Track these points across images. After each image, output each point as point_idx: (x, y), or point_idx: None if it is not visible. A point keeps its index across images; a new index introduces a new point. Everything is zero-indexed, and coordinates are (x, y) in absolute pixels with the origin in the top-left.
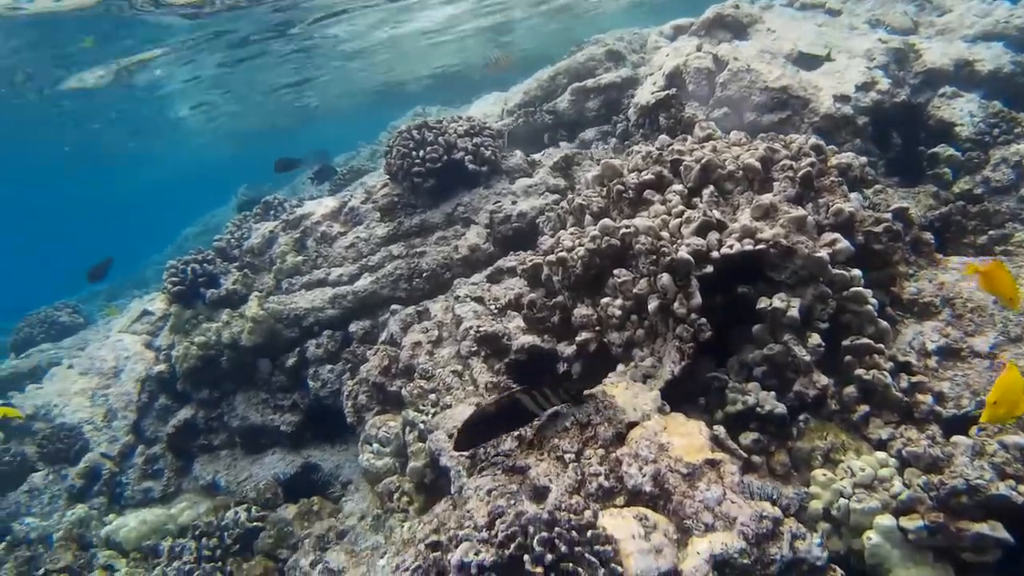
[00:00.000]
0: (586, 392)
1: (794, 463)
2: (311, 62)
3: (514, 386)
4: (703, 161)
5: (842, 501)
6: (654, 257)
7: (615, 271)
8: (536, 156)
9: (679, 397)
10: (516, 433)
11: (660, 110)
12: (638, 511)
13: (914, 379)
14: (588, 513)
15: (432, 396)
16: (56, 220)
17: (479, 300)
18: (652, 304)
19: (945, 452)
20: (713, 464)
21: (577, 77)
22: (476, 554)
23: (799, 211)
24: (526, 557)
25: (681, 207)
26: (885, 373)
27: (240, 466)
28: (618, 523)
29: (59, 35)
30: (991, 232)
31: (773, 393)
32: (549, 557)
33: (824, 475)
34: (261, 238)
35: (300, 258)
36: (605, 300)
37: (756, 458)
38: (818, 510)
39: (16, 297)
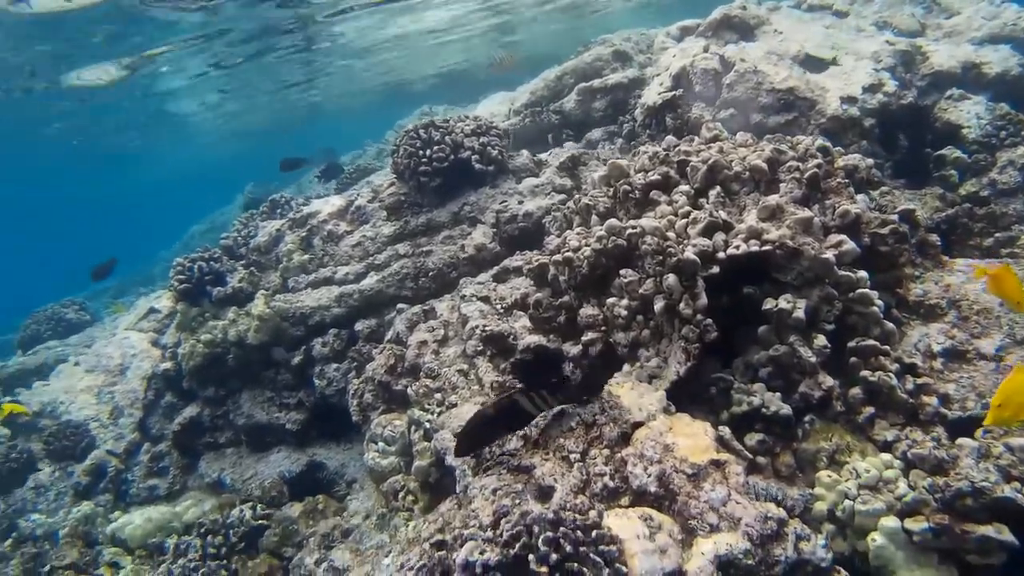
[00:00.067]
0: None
1: (799, 464)
2: (317, 60)
3: (519, 386)
4: (710, 162)
5: (847, 502)
6: (660, 258)
7: (621, 271)
8: (543, 156)
9: (684, 397)
10: (521, 433)
11: (667, 111)
12: (643, 511)
13: (920, 381)
14: (593, 513)
15: (438, 395)
16: (62, 218)
17: (485, 299)
18: (658, 304)
19: (950, 454)
20: (718, 465)
21: (584, 77)
22: (481, 553)
23: (805, 212)
24: (531, 557)
25: (687, 208)
26: (891, 375)
27: (245, 464)
28: (623, 523)
29: (65, 32)
30: (997, 234)
31: (778, 394)
32: (554, 557)
33: (829, 476)
34: (268, 236)
35: (306, 256)
36: (611, 300)
37: (761, 459)
38: (823, 511)
39: (23, 294)
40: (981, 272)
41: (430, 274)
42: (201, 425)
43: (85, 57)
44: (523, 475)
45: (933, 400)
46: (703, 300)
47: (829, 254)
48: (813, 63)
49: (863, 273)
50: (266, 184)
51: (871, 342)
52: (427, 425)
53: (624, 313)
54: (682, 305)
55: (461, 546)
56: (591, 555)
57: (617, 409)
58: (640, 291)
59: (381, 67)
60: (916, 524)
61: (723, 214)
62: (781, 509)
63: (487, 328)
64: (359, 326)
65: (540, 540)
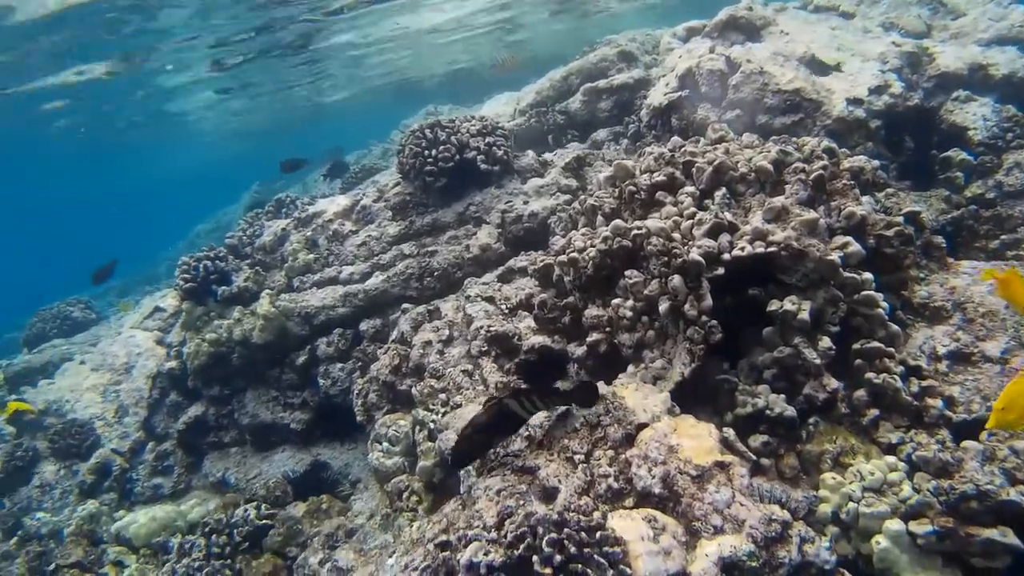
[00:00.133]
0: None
1: (803, 466)
2: (323, 59)
3: (522, 387)
4: (715, 163)
5: (851, 505)
6: (665, 259)
7: (626, 272)
8: (548, 156)
9: (689, 399)
10: (526, 434)
11: (672, 111)
12: (647, 513)
13: (924, 383)
14: (597, 514)
15: (442, 395)
16: (67, 216)
17: (490, 300)
18: (663, 306)
19: (955, 457)
20: (722, 466)
21: (589, 78)
22: (485, 554)
23: (811, 214)
24: (535, 558)
25: (693, 209)
26: (895, 377)
27: (250, 463)
28: (627, 525)
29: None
30: (1003, 236)
31: (783, 396)
32: (558, 558)
33: (833, 479)
34: (273, 236)
35: (312, 256)
36: (616, 301)
37: (765, 461)
38: (827, 514)
39: (29, 293)
40: (989, 275)
41: (435, 274)
42: (206, 424)
43: (86, 54)
44: (527, 476)
45: (938, 403)
46: (708, 301)
47: (834, 256)
48: (817, 66)
49: (868, 275)
50: (272, 183)
51: (876, 344)
52: (431, 425)
53: (629, 314)
54: (687, 306)
55: (465, 547)
56: (595, 556)
57: (621, 410)
58: (645, 292)
59: (386, 66)
60: (920, 527)
61: (728, 215)
62: (785, 511)
63: (492, 328)
64: (364, 326)
65: (544, 541)
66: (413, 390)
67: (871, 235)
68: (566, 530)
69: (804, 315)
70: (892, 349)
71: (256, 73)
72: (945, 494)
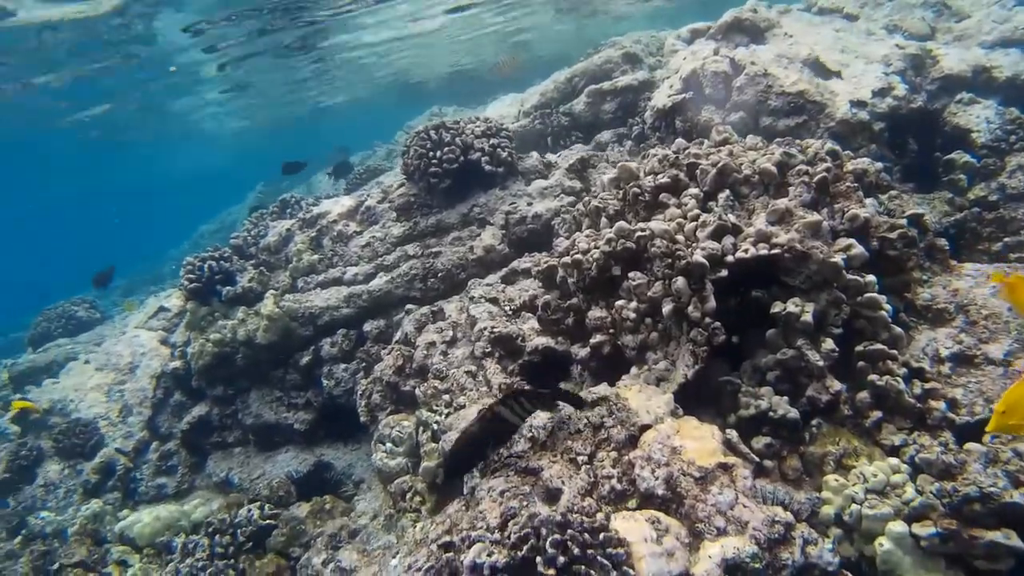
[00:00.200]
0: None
1: (806, 468)
2: (329, 58)
3: (516, 388)
4: (719, 165)
5: (854, 507)
6: (669, 260)
7: (630, 274)
8: (552, 158)
9: (692, 400)
10: (529, 435)
11: (676, 113)
12: (650, 514)
13: (927, 385)
14: (600, 516)
15: (446, 396)
16: (71, 216)
17: (494, 301)
18: (666, 307)
19: (958, 459)
20: (725, 468)
21: (594, 79)
22: (489, 555)
23: (814, 216)
24: (538, 559)
25: (697, 211)
26: (898, 379)
27: (253, 463)
28: (630, 526)
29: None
30: (1006, 239)
31: (786, 398)
32: (561, 559)
33: (836, 480)
34: (277, 236)
35: (316, 257)
36: (619, 303)
37: (768, 462)
38: (830, 515)
39: (33, 292)
40: (997, 278)
41: (439, 275)
42: (210, 424)
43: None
44: (531, 477)
45: (941, 405)
46: (711, 303)
47: (838, 258)
48: (821, 69)
49: (871, 277)
50: (277, 184)
51: (879, 346)
52: (435, 426)
53: (633, 316)
54: (691, 308)
55: (469, 548)
56: (599, 558)
57: (625, 411)
58: (649, 294)
59: (390, 67)
60: (923, 529)
61: (732, 217)
62: (788, 513)
63: (495, 330)
64: (368, 326)
65: (548, 542)
66: (417, 391)
67: (874, 237)
68: (570, 531)
69: (807, 317)
70: (895, 351)
71: (260, 73)
72: (948, 496)
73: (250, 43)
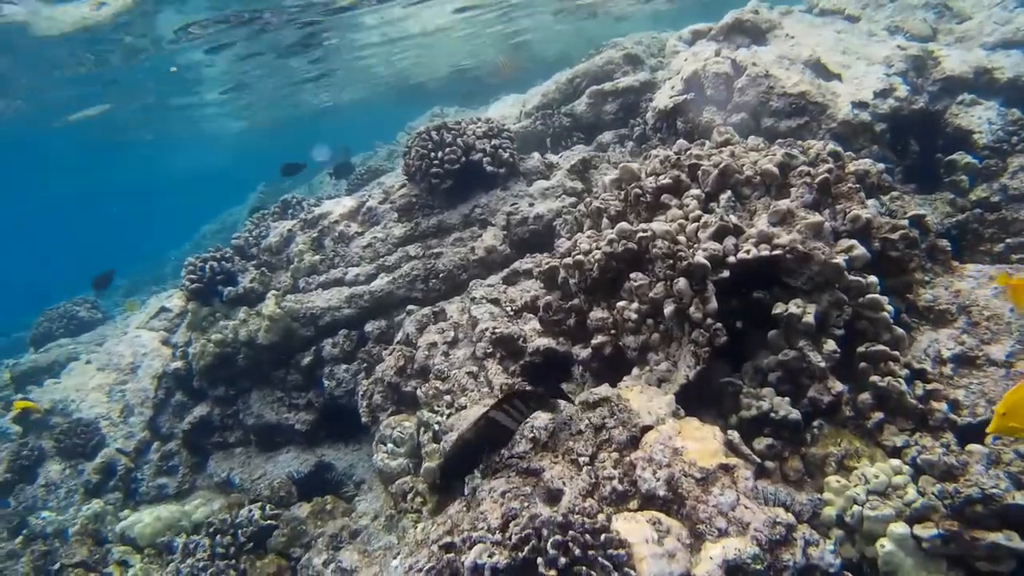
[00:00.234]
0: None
1: (808, 469)
2: (330, 58)
3: (525, 388)
4: (721, 166)
5: (856, 508)
6: (671, 261)
7: (632, 275)
8: (553, 158)
9: (694, 401)
10: (530, 435)
11: (678, 114)
12: (652, 515)
13: (929, 386)
14: (602, 517)
15: (447, 397)
16: (71, 215)
17: (495, 302)
18: (668, 308)
19: (960, 460)
20: (727, 469)
21: (595, 80)
22: (490, 556)
23: (816, 217)
24: (540, 560)
25: (698, 211)
26: (900, 380)
27: (254, 464)
28: (631, 527)
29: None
30: (1008, 240)
31: (787, 399)
32: (563, 560)
33: (838, 482)
34: (279, 237)
35: (317, 257)
36: (621, 304)
37: (770, 464)
38: (831, 517)
39: (33, 292)
40: (1004, 280)
41: (440, 276)
42: (211, 424)
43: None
44: (532, 478)
45: (943, 406)
46: (713, 304)
47: (839, 259)
48: (821, 71)
49: (873, 278)
50: (278, 184)
51: (881, 347)
52: (436, 427)
53: (634, 316)
54: (692, 309)
55: (470, 548)
56: (600, 559)
57: (626, 412)
58: (650, 295)
59: (392, 67)
60: (925, 530)
61: (734, 218)
62: (790, 514)
63: (497, 330)
64: (369, 327)
65: (549, 543)
66: (418, 391)
67: (876, 238)
68: (571, 532)
69: (809, 318)
70: (897, 352)
71: (261, 73)
72: (950, 497)
73: (251, 43)
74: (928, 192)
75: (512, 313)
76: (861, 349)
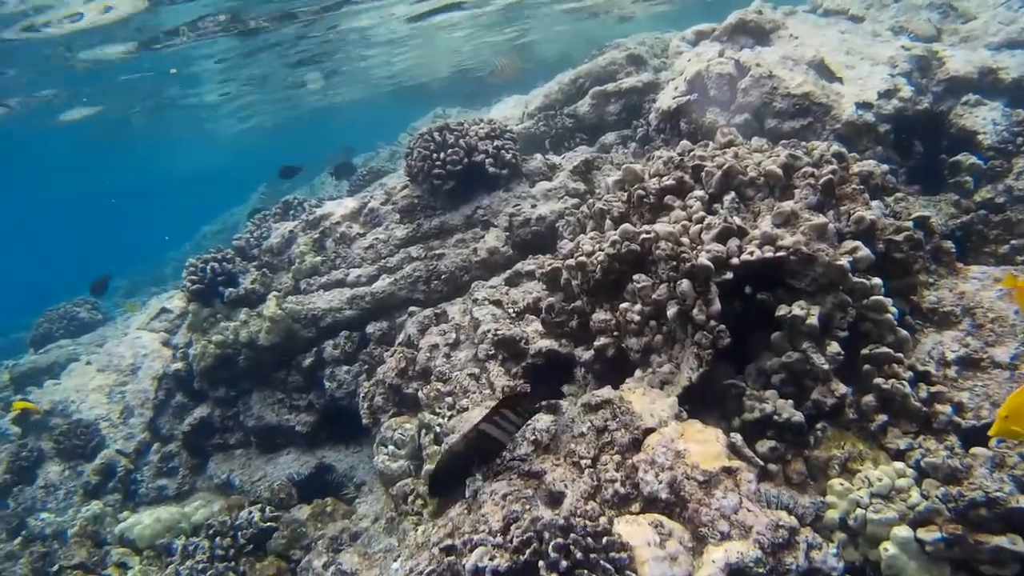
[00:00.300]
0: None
1: (811, 472)
2: (331, 58)
3: (526, 393)
4: (724, 167)
5: (859, 511)
6: (674, 263)
7: (635, 276)
8: (556, 159)
9: (696, 404)
10: (532, 438)
11: (681, 115)
12: (654, 518)
13: (933, 389)
14: (603, 519)
15: (449, 399)
16: (70, 216)
17: (497, 303)
18: (671, 310)
19: (964, 463)
20: (730, 472)
21: (598, 81)
22: (491, 559)
23: (820, 218)
24: (541, 563)
25: (702, 213)
26: (904, 382)
27: (255, 465)
28: (633, 530)
29: None
30: (1013, 241)
31: (791, 401)
32: (564, 563)
33: (841, 484)
34: (280, 238)
35: (319, 258)
36: (624, 305)
37: (773, 466)
38: (834, 520)
39: (33, 292)
40: (1012, 282)
41: (442, 277)
42: (211, 426)
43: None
44: (533, 480)
45: (947, 408)
46: (716, 306)
47: (843, 260)
48: (825, 72)
49: (877, 280)
50: (279, 185)
51: (885, 349)
52: (437, 429)
53: (637, 318)
54: (695, 311)
55: (471, 551)
56: (601, 562)
57: (628, 415)
58: (653, 296)
59: (393, 67)
60: (929, 534)
61: (737, 220)
62: (792, 517)
63: (499, 332)
64: (370, 328)
65: (550, 546)
66: (419, 393)
67: (880, 240)
68: (572, 535)
69: (813, 320)
70: (901, 354)
71: (268, 71)
72: (954, 501)
73: (251, 43)
74: (932, 193)
75: (514, 315)
76: (865, 351)
